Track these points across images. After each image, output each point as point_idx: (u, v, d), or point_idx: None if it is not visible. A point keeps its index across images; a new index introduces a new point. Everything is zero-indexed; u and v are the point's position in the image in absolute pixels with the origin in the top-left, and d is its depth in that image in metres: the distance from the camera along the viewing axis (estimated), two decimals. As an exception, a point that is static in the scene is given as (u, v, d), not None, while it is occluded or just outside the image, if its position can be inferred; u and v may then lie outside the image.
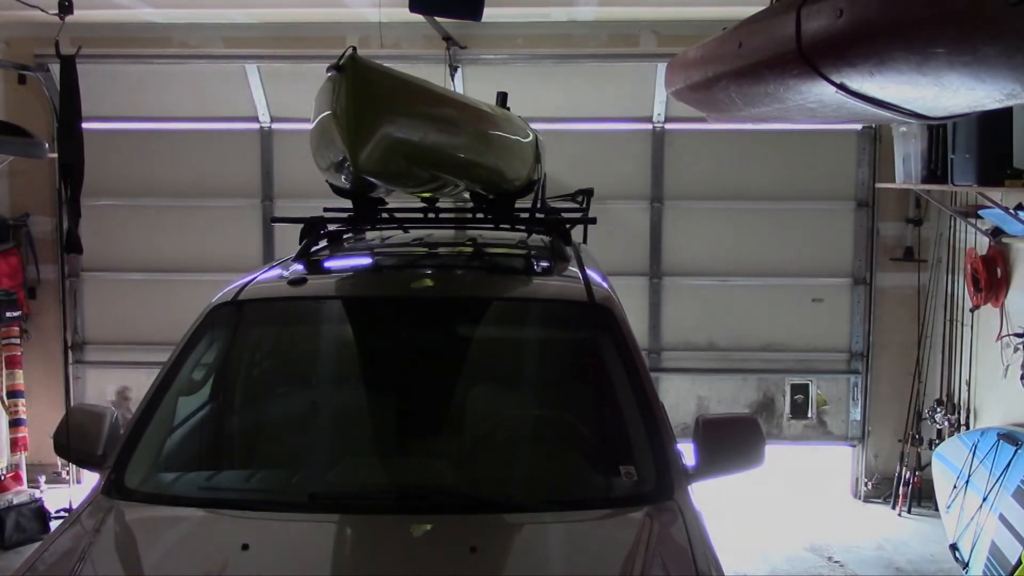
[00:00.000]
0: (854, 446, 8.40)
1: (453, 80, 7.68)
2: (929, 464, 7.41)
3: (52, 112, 7.89)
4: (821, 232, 8.22)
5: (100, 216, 7.95)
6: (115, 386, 8.65)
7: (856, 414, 8.34)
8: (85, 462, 3.45)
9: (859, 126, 7.88)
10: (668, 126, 8.04)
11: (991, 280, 6.77)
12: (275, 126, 8.26)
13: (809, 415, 8.36)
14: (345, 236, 4.65)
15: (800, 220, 8.19)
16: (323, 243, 4.47)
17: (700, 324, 8.35)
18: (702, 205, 8.22)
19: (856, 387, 8.33)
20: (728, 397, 8.38)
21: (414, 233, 4.87)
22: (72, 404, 8.47)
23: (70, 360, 8.54)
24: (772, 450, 8.37)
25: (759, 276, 8.25)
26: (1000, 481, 5.93)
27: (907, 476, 7.83)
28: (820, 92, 3.16)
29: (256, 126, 8.26)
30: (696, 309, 8.35)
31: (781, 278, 8.24)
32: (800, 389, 8.34)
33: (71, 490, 7.93)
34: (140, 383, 8.49)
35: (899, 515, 7.84)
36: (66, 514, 6.57)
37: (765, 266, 8.23)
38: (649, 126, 8.11)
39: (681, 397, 8.38)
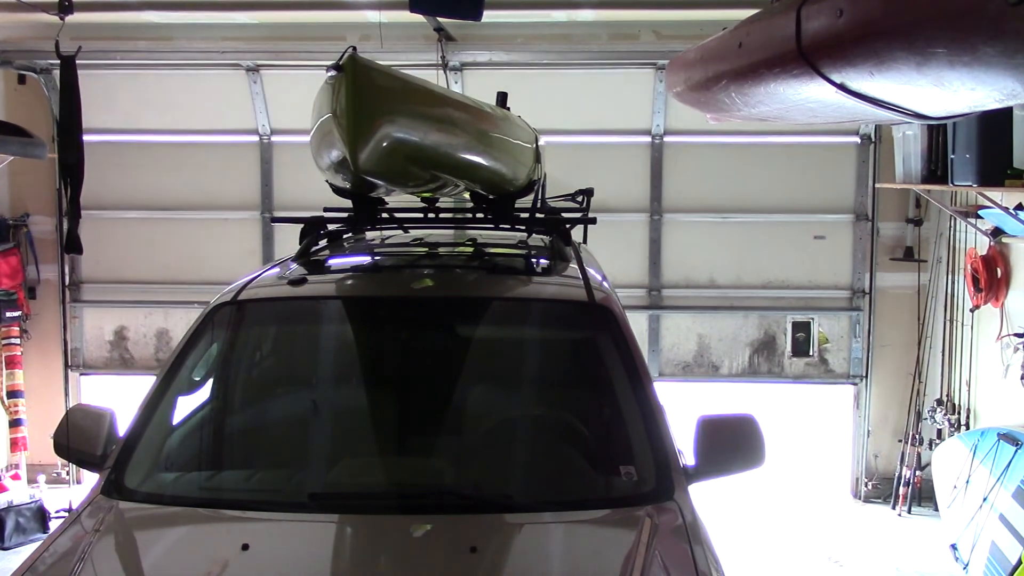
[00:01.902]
0: (856, 384, 8.37)
1: (447, 73, 7.67)
2: (929, 464, 7.41)
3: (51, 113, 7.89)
4: (823, 168, 8.20)
5: (96, 154, 7.81)
6: (113, 326, 8.66)
7: (858, 351, 8.32)
8: (85, 462, 3.45)
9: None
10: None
11: (991, 280, 6.77)
12: (265, 72, 8.22)
13: (811, 353, 8.34)
14: (345, 236, 4.65)
15: (801, 156, 8.17)
16: (323, 243, 4.47)
17: (701, 261, 8.35)
18: (703, 140, 8.18)
19: (858, 324, 8.30)
20: (729, 335, 8.38)
21: (414, 233, 4.87)
22: (71, 396, 8.52)
23: (67, 299, 8.57)
24: (774, 389, 8.43)
25: (760, 213, 8.24)
26: (1000, 481, 5.92)
27: (907, 476, 7.83)
28: (820, 92, 3.15)
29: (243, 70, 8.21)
30: (697, 246, 8.35)
31: (782, 215, 8.23)
32: (801, 327, 8.32)
33: (71, 490, 7.94)
34: (138, 323, 8.62)
35: (899, 515, 7.84)
36: (66, 514, 6.57)
37: (766, 202, 8.22)
38: (652, 69, 8.06)
39: (682, 335, 8.41)
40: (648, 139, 8.25)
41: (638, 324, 8.32)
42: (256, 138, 8.44)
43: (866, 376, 8.32)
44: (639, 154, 8.28)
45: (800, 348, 8.33)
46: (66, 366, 8.61)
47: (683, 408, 8.13)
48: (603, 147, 8.34)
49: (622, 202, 8.20)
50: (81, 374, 8.72)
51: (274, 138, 8.42)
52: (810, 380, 8.44)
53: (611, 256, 8.07)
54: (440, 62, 7.52)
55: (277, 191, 8.44)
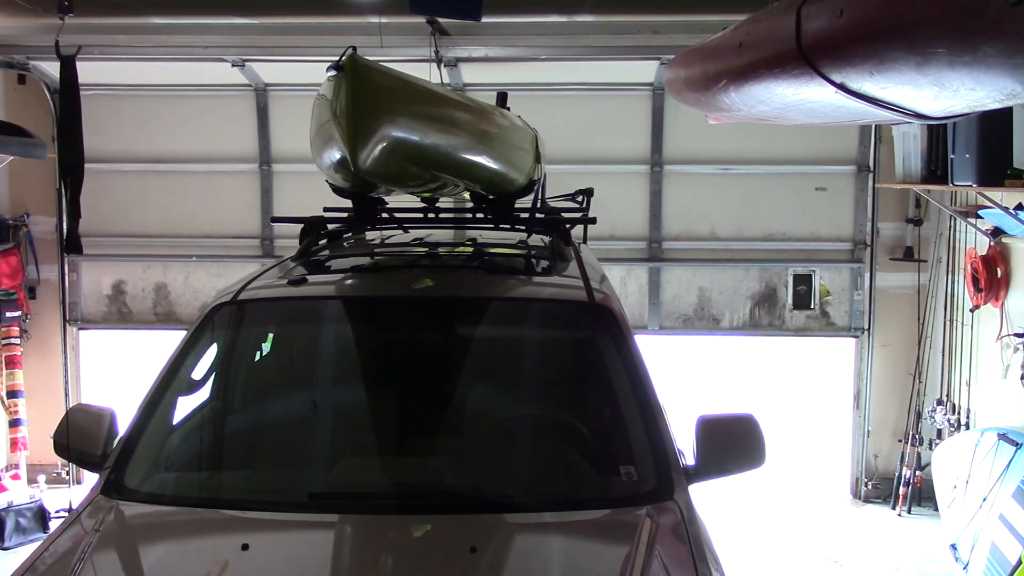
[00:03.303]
0: (857, 337, 8.34)
1: (440, 68, 7.65)
2: (929, 464, 7.41)
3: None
4: None
5: (94, 107, 7.71)
6: (110, 280, 8.65)
7: (860, 304, 8.27)
8: (85, 462, 3.45)
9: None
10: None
11: (991, 280, 6.77)
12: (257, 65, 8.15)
13: (812, 306, 8.29)
14: (345, 236, 4.65)
15: None
16: (323, 243, 4.46)
17: (702, 213, 8.30)
18: None
19: (859, 277, 8.25)
20: (730, 288, 8.35)
21: (414, 233, 4.87)
22: (72, 401, 8.51)
23: (65, 260, 8.55)
24: (775, 342, 8.34)
25: (762, 164, 8.19)
26: (1000, 481, 5.93)
27: (907, 476, 7.83)
28: (820, 92, 3.16)
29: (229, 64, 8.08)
30: (698, 198, 8.30)
31: (784, 166, 8.18)
32: (803, 280, 8.28)
33: (71, 490, 7.94)
34: (136, 277, 8.61)
35: (899, 515, 7.84)
36: (66, 514, 6.57)
37: (768, 154, 8.16)
38: (655, 62, 7.95)
39: (682, 288, 8.39)
40: (649, 91, 8.15)
41: (638, 277, 8.36)
42: (251, 90, 8.38)
43: (868, 329, 8.26)
44: (640, 105, 8.21)
45: (801, 301, 8.29)
46: (64, 321, 8.59)
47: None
48: (604, 98, 8.27)
49: (623, 153, 8.17)
50: (80, 328, 8.71)
51: (270, 91, 8.36)
52: (811, 333, 8.40)
53: (612, 208, 8.00)
54: (434, 57, 7.48)
55: (275, 142, 8.39)
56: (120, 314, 8.67)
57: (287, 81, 8.21)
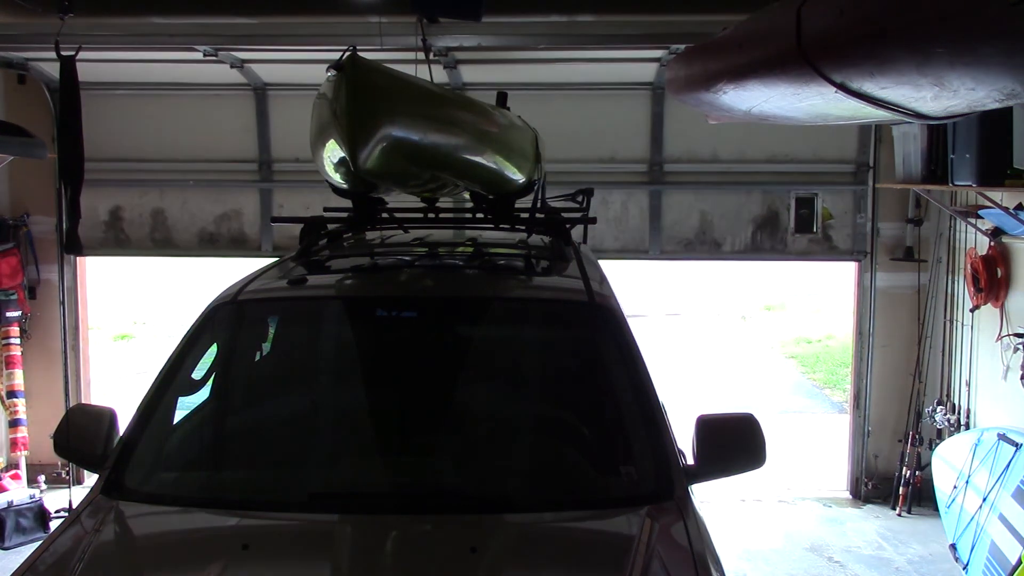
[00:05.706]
0: (860, 261, 8.25)
1: (428, 57, 7.58)
2: (929, 464, 7.41)
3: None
4: None
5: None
6: (107, 206, 8.52)
7: (862, 227, 8.16)
8: (85, 462, 3.45)
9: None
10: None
11: (991, 280, 6.77)
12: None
13: (815, 229, 8.19)
14: (345, 236, 4.65)
15: None
16: (323, 243, 4.46)
17: (703, 135, 8.09)
18: None
19: (862, 199, 8.14)
20: (731, 211, 8.24)
21: (414, 233, 4.87)
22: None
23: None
24: (777, 266, 8.20)
25: None
26: (1000, 481, 5.93)
27: (907, 476, 7.83)
28: (820, 92, 3.16)
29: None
30: (699, 118, 8.10)
31: None
32: (805, 203, 8.16)
33: (71, 490, 7.94)
34: (133, 203, 8.45)
35: (899, 515, 7.84)
36: (66, 514, 6.57)
37: None
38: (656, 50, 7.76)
39: (684, 212, 8.27)
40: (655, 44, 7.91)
41: (639, 201, 8.24)
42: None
43: (871, 253, 8.16)
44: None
45: (803, 224, 8.16)
46: (62, 248, 8.40)
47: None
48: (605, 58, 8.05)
49: (623, 76, 8.03)
50: (76, 256, 8.53)
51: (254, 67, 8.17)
52: (813, 257, 8.32)
53: (612, 130, 7.97)
54: (420, 46, 7.41)
55: (268, 68, 8.16)
56: (117, 240, 8.55)
57: (277, 59, 8.03)
